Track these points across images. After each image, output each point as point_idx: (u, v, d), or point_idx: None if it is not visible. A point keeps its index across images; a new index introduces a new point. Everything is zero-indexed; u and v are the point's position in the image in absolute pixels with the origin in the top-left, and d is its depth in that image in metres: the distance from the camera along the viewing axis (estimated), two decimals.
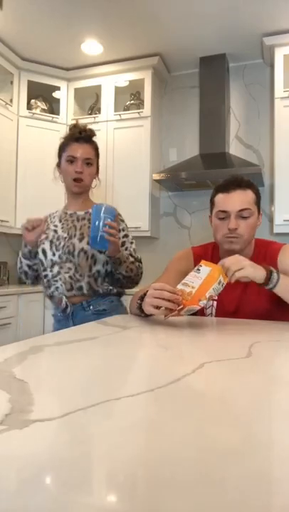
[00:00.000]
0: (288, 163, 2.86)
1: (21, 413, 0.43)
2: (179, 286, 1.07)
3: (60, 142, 1.50)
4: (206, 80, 3.21)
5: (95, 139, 1.52)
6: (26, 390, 0.51)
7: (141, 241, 3.47)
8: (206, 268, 1.05)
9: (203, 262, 1.07)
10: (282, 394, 0.54)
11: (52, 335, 0.94)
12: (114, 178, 3.27)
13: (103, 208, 1.30)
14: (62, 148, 1.48)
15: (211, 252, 1.37)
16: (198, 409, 0.47)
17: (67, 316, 1.44)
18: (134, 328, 1.06)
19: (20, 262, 1.53)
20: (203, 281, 1.03)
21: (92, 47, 3.12)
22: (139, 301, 1.15)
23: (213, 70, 3.19)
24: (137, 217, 3.11)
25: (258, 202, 1.27)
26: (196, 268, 1.07)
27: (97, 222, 1.28)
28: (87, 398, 0.49)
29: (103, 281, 1.45)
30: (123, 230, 1.49)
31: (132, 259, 1.45)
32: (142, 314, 1.16)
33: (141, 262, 1.51)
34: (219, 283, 1.04)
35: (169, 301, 1.02)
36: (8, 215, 3.20)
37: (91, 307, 1.43)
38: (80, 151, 1.43)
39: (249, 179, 1.28)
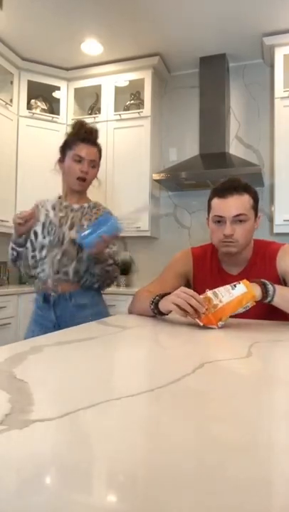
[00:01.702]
0: (288, 163, 2.86)
1: (21, 413, 0.43)
2: (209, 293, 1.07)
3: (66, 138, 1.52)
4: (206, 80, 3.20)
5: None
6: (26, 390, 0.51)
7: (141, 241, 3.48)
8: (242, 287, 1.05)
9: (243, 282, 1.06)
10: (282, 394, 0.54)
11: (52, 335, 0.94)
12: (114, 178, 3.27)
13: (110, 221, 1.31)
14: (67, 145, 1.50)
15: (210, 253, 1.37)
16: (198, 409, 0.47)
17: (49, 305, 1.46)
18: (134, 328, 1.06)
19: (14, 250, 1.53)
20: (233, 299, 1.04)
21: (92, 47, 3.12)
22: (158, 298, 1.15)
23: (213, 70, 3.19)
24: (137, 217, 3.11)
25: (255, 205, 1.26)
26: (233, 284, 1.07)
27: (98, 231, 1.29)
28: (87, 398, 0.49)
29: (87, 271, 1.46)
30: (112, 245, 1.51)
31: (110, 261, 1.45)
32: (154, 311, 1.16)
33: (118, 265, 1.51)
34: (245, 308, 1.05)
35: (192, 308, 1.03)
36: (8, 215, 3.19)
37: (73, 300, 1.45)
38: (87, 152, 1.47)
39: (246, 183, 1.27)
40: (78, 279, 1.45)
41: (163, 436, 0.39)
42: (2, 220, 3.12)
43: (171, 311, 1.14)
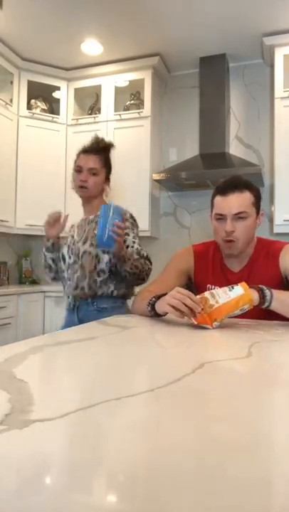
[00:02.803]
0: (288, 163, 2.86)
1: (21, 413, 0.43)
2: (206, 294, 1.07)
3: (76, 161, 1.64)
4: (206, 80, 3.20)
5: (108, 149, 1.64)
6: (26, 390, 0.51)
7: (141, 241, 3.47)
8: (239, 289, 1.05)
9: (241, 284, 1.07)
10: (282, 394, 0.54)
11: (52, 335, 0.94)
12: (115, 178, 3.25)
13: (111, 208, 1.32)
14: (75, 162, 1.61)
15: (213, 250, 1.37)
16: (198, 409, 0.47)
17: (73, 310, 1.56)
18: (134, 328, 1.06)
19: (44, 256, 1.64)
20: (230, 300, 1.04)
21: (92, 47, 3.12)
22: (154, 299, 1.15)
23: (213, 70, 3.19)
24: (137, 217, 3.10)
25: (256, 202, 1.27)
26: (231, 285, 1.08)
27: (103, 222, 1.29)
28: (87, 398, 0.49)
29: (106, 282, 1.51)
30: (128, 235, 1.53)
31: (136, 256, 1.48)
32: (151, 312, 1.16)
33: (148, 259, 1.54)
34: (242, 310, 1.05)
35: (187, 307, 1.03)
36: (8, 215, 3.20)
37: (94, 304, 1.52)
38: (85, 161, 1.56)
39: (248, 180, 1.28)
40: (94, 293, 1.51)
41: (163, 436, 0.39)
42: (2, 220, 3.12)
43: (167, 313, 1.14)
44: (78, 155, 1.60)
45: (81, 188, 1.56)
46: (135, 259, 1.45)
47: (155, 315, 1.17)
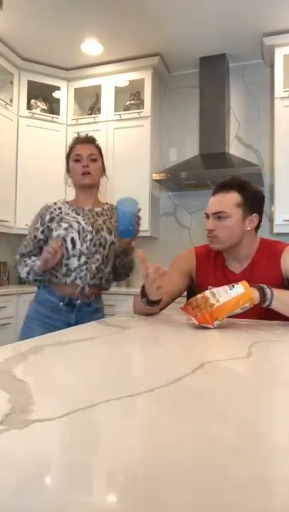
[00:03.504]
0: (288, 163, 2.86)
1: (21, 413, 0.43)
2: (207, 293, 1.08)
3: (66, 154, 1.62)
4: (206, 80, 3.20)
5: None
6: (26, 390, 0.51)
7: (141, 241, 3.47)
8: (240, 288, 1.05)
9: (242, 282, 1.07)
10: (282, 394, 0.54)
11: (52, 335, 0.94)
12: (115, 178, 3.26)
13: (136, 202, 1.40)
14: (68, 154, 1.60)
15: (214, 252, 1.38)
16: (198, 409, 0.47)
17: (72, 309, 1.50)
18: (134, 328, 1.06)
19: (28, 274, 1.51)
20: (230, 299, 1.04)
21: (92, 47, 3.12)
22: (142, 288, 1.21)
23: (213, 70, 3.19)
24: None
25: (245, 204, 1.26)
26: (231, 284, 1.08)
27: (129, 215, 1.38)
28: (87, 398, 0.49)
29: (110, 275, 1.59)
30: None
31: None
32: (144, 300, 1.20)
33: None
34: (243, 308, 1.05)
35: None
36: (8, 215, 3.20)
37: (92, 305, 1.54)
38: (83, 149, 1.55)
39: (245, 181, 1.28)
40: (107, 284, 1.56)
41: (163, 436, 0.39)
42: (2, 220, 3.12)
43: (160, 299, 1.20)
44: (72, 147, 1.58)
45: (84, 174, 1.53)
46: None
47: (148, 303, 1.20)
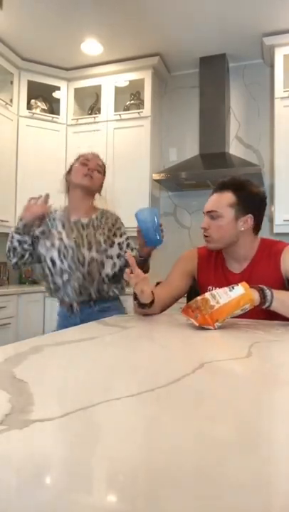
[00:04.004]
0: (288, 163, 2.86)
1: (21, 413, 0.43)
2: (207, 295, 1.07)
3: (73, 161, 1.63)
4: (206, 80, 3.20)
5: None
6: (26, 390, 0.51)
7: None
8: (240, 289, 1.05)
9: (242, 284, 1.07)
10: (282, 394, 0.54)
11: (52, 335, 0.94)
12: (114, 178, 3.26)
13: (154, 211, 1.40)
14: (75, 161, 1.61)
15: (216, 253, 1.38)
16: (198, 409, 0.47)
17: (75, 314, 1.54)
18: (134, 328, 1.06)
19: (12, 238, 1.54)
20: (230, 300, 1.04)
21: (92, 47, 3.12)
22: (135, 300, 1.25)
23: (213, 70, 3.19)
24: None
25: (238, 204, 1.25)
26: (231, 285, 1.08)
27: (154, 224, 1.37)
28: (87, 398, 0.49)
29: (111, 285, 1.55)
30: (125, 234, 1.60)
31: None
32: (135, 302, 1.25)
33: None
34: (243, 309, 1.05)
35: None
36: (8, 215, 3.20)
37: (96, 306, 1.54)
38: (93, 158, 1.60)
39: (243, 181, 1.28)
40: (101, 296, 1.54)
41: (163, 436, 0.39)
42: (2, 220, 3.12)
43: (152, 301, 1.22)
44: (80, 155, 1.61)
45: (86, 176, 1.54)
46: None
47: (140, 305, 1.24)
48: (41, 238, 1.53)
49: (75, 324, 1.49)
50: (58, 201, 1.66)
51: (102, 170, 1.61)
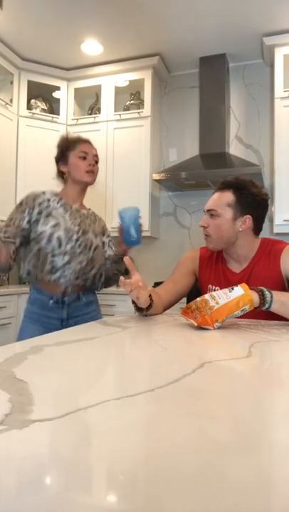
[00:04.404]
0: (288, 163, 2.86)
1: (21, 413, 0.43)
2: (206, 297, 1.08)
3: (63, 145, 1.59)
4: (206, 80, 3.20)
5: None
6: (26, 390, 0.51)
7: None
8: (239, 290, 1.05)
9: (241, 285, 1.07)
10: (282, 394, 0.54)
11: (52, 335, 0.94)
12: (114, 178, 3.27)
13: (138, 212, 1.43)
14: (68, 148, 1.56)
15: (217, 252, 1.39)
16: (198, 409, 0.47)
17: (62, 306, 1.49)
18: (134, 328, 1.06)
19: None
20: (229, 301, 1.04)
21: (92, 47, 3.12)
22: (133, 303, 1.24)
23: (213, 70, 3.19)
24: None
25: (237, 204, 1.26)
26: (231, 287, 1.08)
27: (135, 224, 1.41)
28: (87, 398, 0.49)
29: (101, 275, 1.59)
30: (110, 235, 1.66)
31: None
32: (134, 306, 1.24)
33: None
34: (242, 310, 1.05)
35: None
36: (8, 215, 3.19)
37: (83, 298, 1.54)
38: (89, 148, 1.57)
39: (242, 181, 1.28)
40: (92, 285, 1.55)
41: (163, 436, 0.39)
42: (2, 220, 3.12)
43: (149, 305, 1.21)
44: (75, 143, 1.57)
45: (88, 173, 1.54)
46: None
47: (137, 309, 1.23)
48: (42, 217, 1.47)
49: (59, 318, 1.47)
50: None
51: (98, 158, 1.60)
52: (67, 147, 1.57)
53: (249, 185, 1.28)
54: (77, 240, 1.47)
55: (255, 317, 1.22)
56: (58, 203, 1.52)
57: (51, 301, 1.48)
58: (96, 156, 1.58)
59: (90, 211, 1.62)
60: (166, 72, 3.44)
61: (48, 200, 1.51)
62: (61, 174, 1.60)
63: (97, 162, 1.59)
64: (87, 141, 1.59)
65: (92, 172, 1.55)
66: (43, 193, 1.53)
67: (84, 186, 1.58)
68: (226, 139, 3.17)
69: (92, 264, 1.51)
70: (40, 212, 1.48)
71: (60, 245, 1.45)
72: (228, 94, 3.28)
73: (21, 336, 1.47)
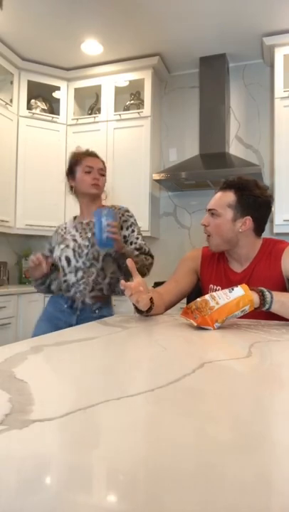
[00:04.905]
0: (288, 163, 2.86)
1: (21, 413, 0.43)
2: (207, 297, 1.08)
3: (72, 160, 1.67)
4: (206, 80, 3.20)
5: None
6: (26, 390, 0.51)
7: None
8: (239, 290, 1.05)
9: (242, 285, 1.07)
10: (282, 394, 0.54)
11: (52, 335, 0.94)
12: (114, 178, 3.26)
13: (104, 211, 1.42)
14: (76, 163, 1.64)
15: (218, 253, 1.39)
16: (199, 409, 0.47)
17: (74, 311, 1.56)
18: (134, 328, 1.06)
19: (40, 285, 1.65)
20: (230, 302, 1.04)
21: (92, 47, 3.12)
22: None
23: (213, 70, 3.19)
24: (136, 217, 3.10)
25: (238, 205, 1.25)
26: (231, 287, 1.08)
27: (99, 226, 1.40)
28: (87, 398, 0.49)
29: (118, 281, 1.60)
30: (131, 226, 1.64)
31: (136, 252, 1.57)
32: (134, 308, 1.23)
33: (149, 255, 1.63)
34: (243, 311, 1.05)
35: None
36: (8, 215, 3.20)
37: (97, 312, 1.56)
38: (94, 162, 1.63)
39: (244, 182, 1.27)
40: (112, 291, 1.59)
41: (163, 436, 0.39)
42: (2, 220, 3.12)
43: (149, 308, 1.19)
44: (80, 158, 1.63)
45: (94, 185, 1.60)
46: (135, 255, 1.54)
47: (138, 311, 1.23)
48: (56, 244, 1.62)
49: (69, 324, 1.51)
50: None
51: (104, 171, 1.66)
52: (74, 162, 1.65)
53: (252, 186, 1.27)
54: (87, 255, 1.55)
55: (255, 317, 1.22)
56: (72, 225, 1.64)
57: (66, 306, 1.57)
58: (101, 169, 1.64)
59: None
60: (166, 72, 3.44)
61: (65, 228, 1.66)
62: (73, 189, 1.68)
63: (103, 175, 1.65)
64: (92, 155, 1.66)
65: (98, 185, 1.61)
66: (65, 223, 1.70)
67: (92, 197, 1.64)
68: (226, 139, 3.17)
69: (104, 273, 1.55)
70: (56, 240, 1.64)
71: (69, 264, 1.56)
72: (228, 94, 3.28)
73: (35, 332, 1.59)
